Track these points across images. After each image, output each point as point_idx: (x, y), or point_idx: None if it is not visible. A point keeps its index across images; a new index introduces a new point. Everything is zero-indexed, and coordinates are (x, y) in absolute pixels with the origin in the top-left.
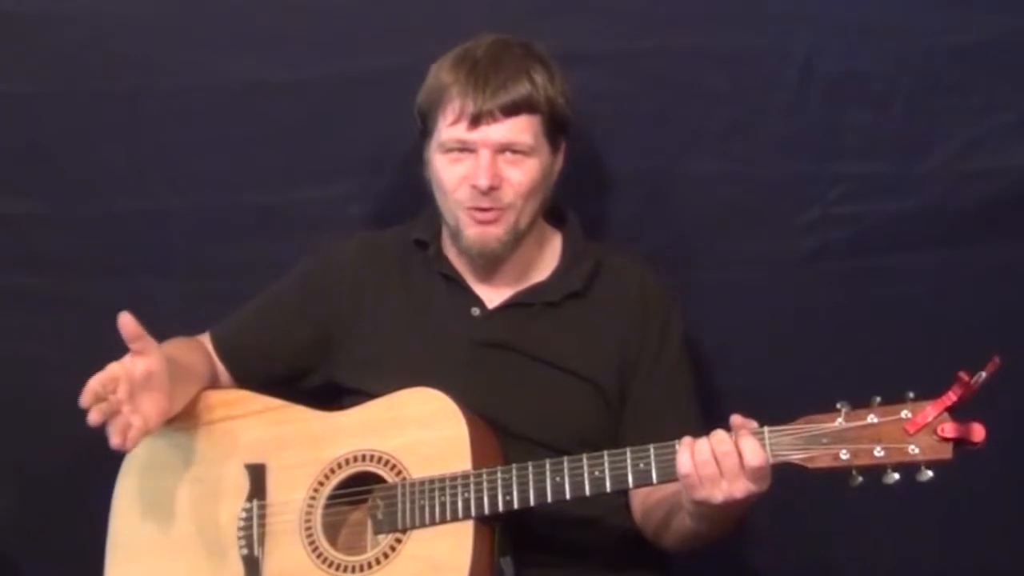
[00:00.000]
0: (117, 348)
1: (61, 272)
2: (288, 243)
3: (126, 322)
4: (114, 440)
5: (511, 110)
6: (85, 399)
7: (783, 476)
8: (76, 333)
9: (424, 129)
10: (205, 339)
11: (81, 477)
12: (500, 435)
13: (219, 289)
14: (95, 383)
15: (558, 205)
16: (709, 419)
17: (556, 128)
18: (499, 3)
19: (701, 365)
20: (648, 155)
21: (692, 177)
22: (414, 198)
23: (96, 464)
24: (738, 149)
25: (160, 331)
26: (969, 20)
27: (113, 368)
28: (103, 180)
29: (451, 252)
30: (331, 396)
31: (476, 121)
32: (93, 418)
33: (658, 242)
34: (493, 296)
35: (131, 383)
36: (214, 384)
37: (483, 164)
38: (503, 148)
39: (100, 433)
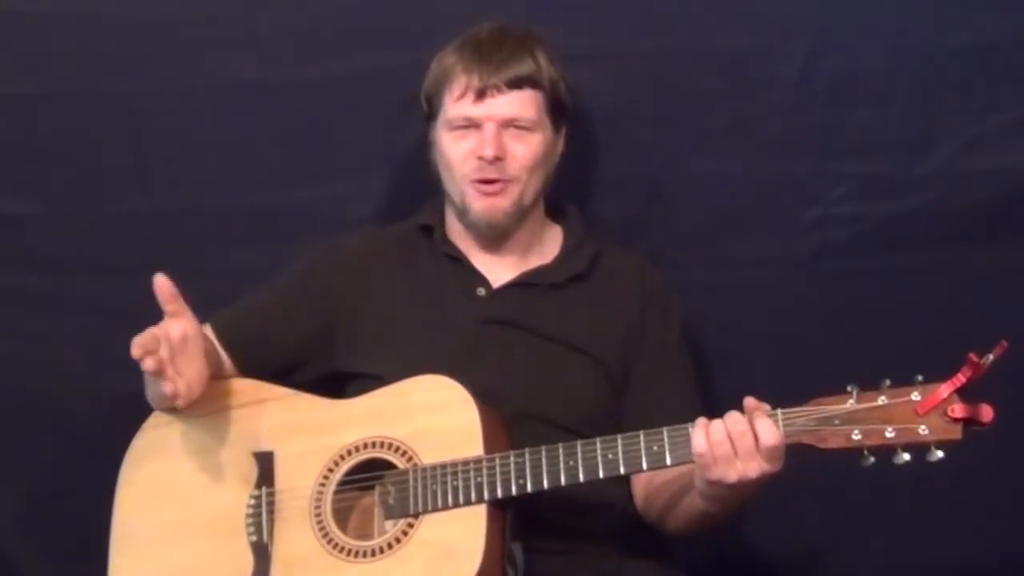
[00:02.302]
0: (117, 348)
1: (61, 272)
2: (288, 243)
3: (162, 283)
4: (168, 387)
5: (515, 83)
6: (135, 351)
7: (788, 464)
8: (76, 333)
9: (430, 112)
10: (206, 329)
11: (81, 477)
12: (506, 415)
13: (219, 289)
14: (141, 338)
15: (558, 201)
16: (709, 418)
17: (557, 108)
18: (499, 3)
19: (701, 365)
20: (648, 155)
21: (692, 177)
22: (414, 198)
23: (96, 464)
24: (738, 149)
25: None
26: (969, 20)
27: (152, 329)
28: (103, 180)
29: (456, 235)
30: (332, 387)
31: (481, 95)
32: (148, 365)
33: (658, 242)
34: (497, 277)
35: (171, 346)
36: (218, 371)
37: (488, 136)
38: (508, 123)
39: (100, 433)
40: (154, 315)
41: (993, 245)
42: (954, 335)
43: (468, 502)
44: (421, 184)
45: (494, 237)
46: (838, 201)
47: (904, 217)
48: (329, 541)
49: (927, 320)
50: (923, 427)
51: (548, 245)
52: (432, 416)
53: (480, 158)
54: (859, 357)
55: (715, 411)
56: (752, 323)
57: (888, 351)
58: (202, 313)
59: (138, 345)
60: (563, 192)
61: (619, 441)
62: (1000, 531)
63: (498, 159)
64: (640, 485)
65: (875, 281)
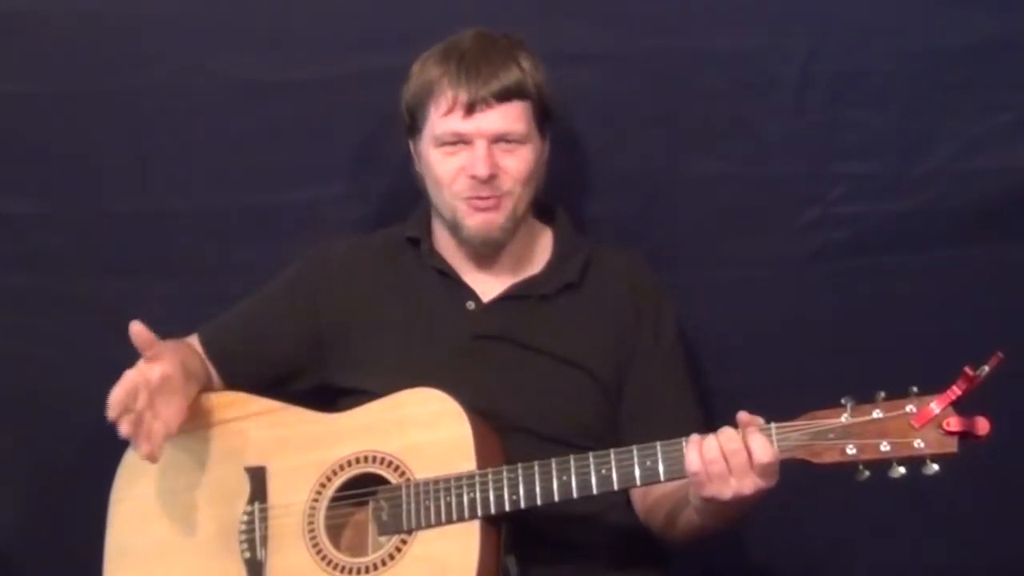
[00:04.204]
0: (117, 348)
1: (61, 272)
2: (288, 243)
3: (138, 331)
4: (143, 449)
5: (503, 96)
6: (112, 412)
7: (783, 473)
8: (76, 333)
9: (413, 125)
10: (193, 340)
11: (81, 477)
12: (501, 429)
13: (219, 289)
14: (119, 395)
15: (547, 202)
16: (709, 419)
17: (544, 115)
18: (499, 3)
19: (701, 365)
20: (648, 155)
21: (692, 177)
22: (412, 198)
23: (97, 464)
24: (738, 149)
25: (160, 331)
26: (969, 20)
27: (131, 376)
28: (103, 180)
29: (444, 248)
30: (323, 398)
31: (470, 109)
32: (125, 430)
33: (658, 242)
34: (487, 290)
35: (149, 390)
36: (207, 385)
37: (480, 154)
38: (498, 138)
39: (99, 433)
40: (153, 315)
41: (993, 245)
42: (953, 335)
43: (461, 518)
44: (419, 184)
45: (487, 252)
46: (838, 201)
47: (904, 217)
48: (323, 558)
49: (927, 320)
50: (919, 441)
51: (538, 251)
52: (424, 430)
53: (473, 177)
54: (859, 357)
55: (714, 411)
56: (752, 323)
57: (888, 351)
58: (202, 313)
59: (115, 405)
60: (563, 192)
61: (612, 456)
62: (1000, 537)
63: (492, 177)
64: (638, 499)
65: (875, 281)
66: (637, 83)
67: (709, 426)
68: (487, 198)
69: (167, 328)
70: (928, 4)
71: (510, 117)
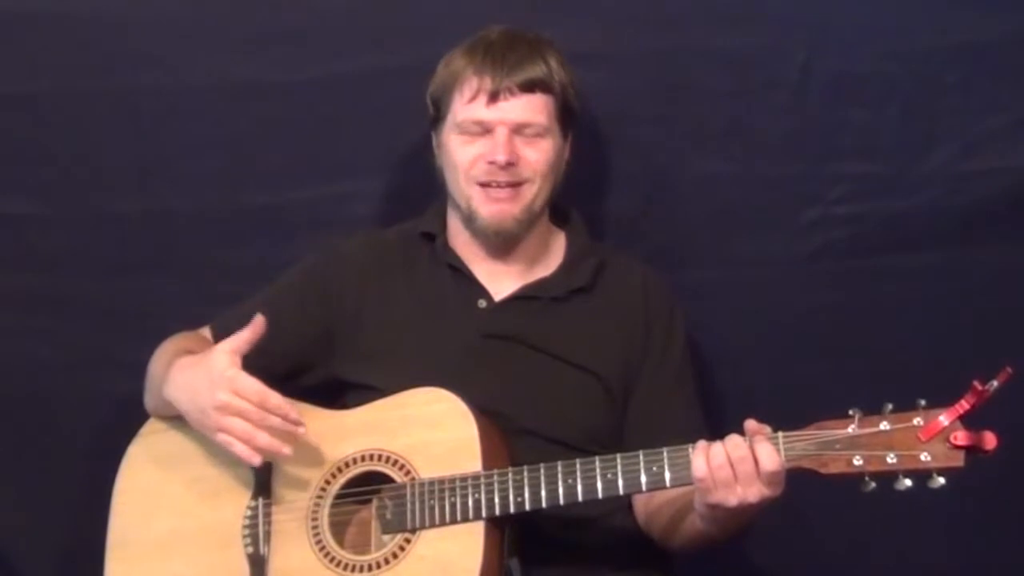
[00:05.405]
0: (117, 348)
1: (61, 272)
2: (289, 243)
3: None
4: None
5: (528, 87)
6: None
7: (788, 477)
8: (76, 333)
9: (436, 116)
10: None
11: (81, 477)
12: (506, 430)
13: (220, 289)
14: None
15: (562, 205)
16: (709, 419)
17: (567, 115)
18: (500, 3)
19: (701, 365)
20: (648, 155)
21: (692, 177)
22: (416, 198)
23: (97, 463)
24: (738, 149)
25: (160, 331)
26: (969, 20)
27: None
28: (103, 180)
29: (458, 244)
30: (332, 392)
31: (494, 97)
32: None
33: (658, 242)
34: (499, 289)
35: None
36: None
37: (500, 140)
38: (519, 128)
39: (99, 433)
40: (153, 315)
41: (993, 245)
42: (953, 334)
43: (466, 519)
44: (421, 184)
45: (500, 244)
46: (838, 201)
47: (904, 217)
48: (326, 555)
49: (926, 320)
50: (925, 454)
51: (552, 254)
52: (430, 429)
53: (491, 163)
54: (858, 357)
55: (711, 409)
56: (752, 323)
57: (887, 350)
58: (203, 313)
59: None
60: (563, 191)
61: (618, 461)
62: (1008, 542)
63: (510, 164)
64: (640, 503)
65: (874, 281)
66: (638, 83)
67: (711, 435)
68: (503, 186)
69: (167, 328)
70: (928, 4)
71: (532, 108)
